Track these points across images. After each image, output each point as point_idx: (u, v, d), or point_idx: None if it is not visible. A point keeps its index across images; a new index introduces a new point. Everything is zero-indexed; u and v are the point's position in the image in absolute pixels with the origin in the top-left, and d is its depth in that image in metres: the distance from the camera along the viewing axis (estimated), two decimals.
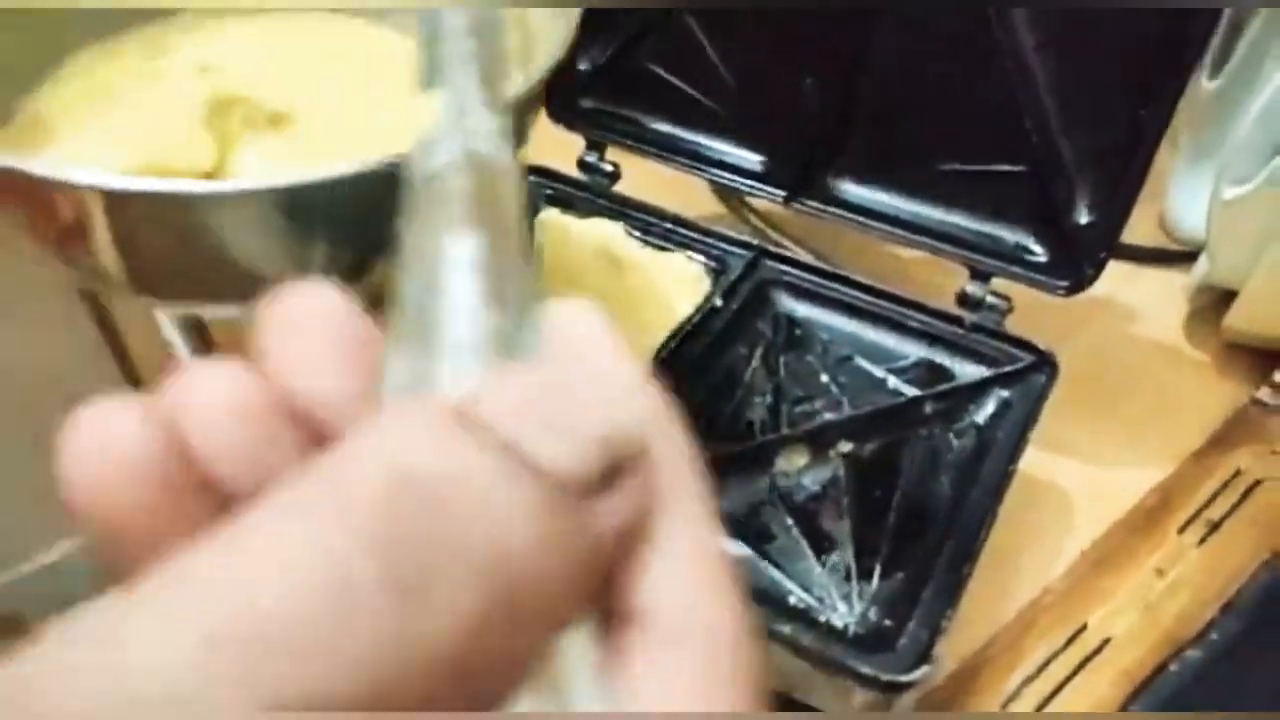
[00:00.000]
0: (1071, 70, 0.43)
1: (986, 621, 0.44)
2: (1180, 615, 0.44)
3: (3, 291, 0.41)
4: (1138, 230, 0.64)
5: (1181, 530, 0.47)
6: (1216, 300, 0.56)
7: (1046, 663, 0.42)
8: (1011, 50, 0.43)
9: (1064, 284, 0.45)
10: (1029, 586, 0.45)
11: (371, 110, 0.36)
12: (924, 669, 0.33)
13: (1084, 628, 0.43)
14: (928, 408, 0.43)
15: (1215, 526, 0.47)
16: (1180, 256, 0.60)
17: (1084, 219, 0.45)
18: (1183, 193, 0.63)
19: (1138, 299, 0.59)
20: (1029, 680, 0.42)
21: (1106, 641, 0.43)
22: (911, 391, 0.45)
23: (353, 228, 0.31)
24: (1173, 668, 0.43)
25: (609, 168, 0.54)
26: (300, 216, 0.30)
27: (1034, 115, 0.44)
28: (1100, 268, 0.44)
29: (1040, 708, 0.41)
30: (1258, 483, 0.48)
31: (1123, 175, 0.43)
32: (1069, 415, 0.50)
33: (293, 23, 0.42)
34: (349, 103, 0.37)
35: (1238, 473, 0.49)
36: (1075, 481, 0.49)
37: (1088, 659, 0.42)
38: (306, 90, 0.38)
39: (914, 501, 0.40)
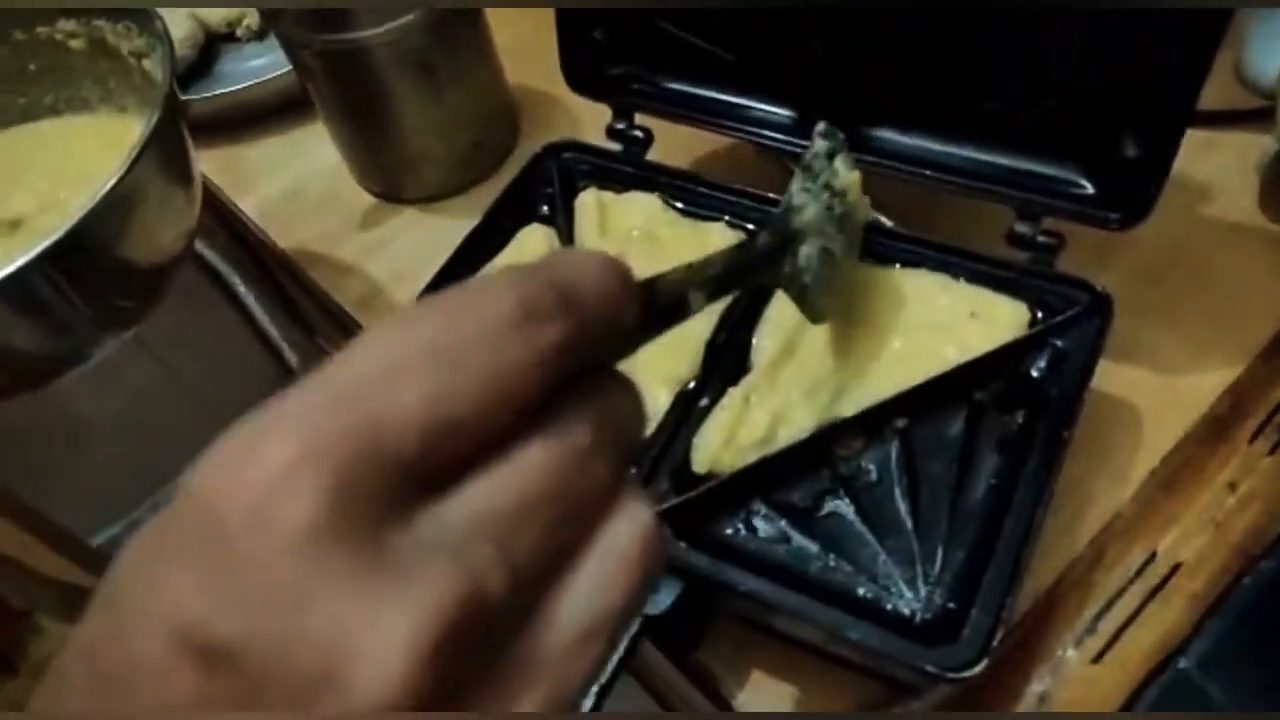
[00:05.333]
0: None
1: (1061, 551, 0.45)
2: (1251, 528, 0.45)
3: None
4: (1208, 86, 0.60)
5: (1252, 439, 0.46)
6: None
7: (1118, 595, 0.44)
8: None
9: (1116, 216, 0.43)
10: (1101, 511, 0.46)
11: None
12: (983, 664, 0.35)
13: (1153, 556, 0.44)
14: (980, 370, 0.43)
15: None
16: (1256, 115, 0.57)
17: (1133, 148, 0.43)
18: (1261, 38, 0.58)
19: (1209, 172, 0.56)
20: (1101, 613, 0.43)
21: (1177, 567, 0.44)
22: None
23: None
24: (1245, 581, 0.44)
25: (639, 134, 0.53)
26: None
27: (1072, 46, 0.42)
28: (1156, 195, 0.43)
29: (1113, 640, 0.43)
30: None
31: (1173, 98, 0.41)
32: (1136, 314, 0.49)
33: (20, 136, 0.50)
34: (75, 192, 0.42)
35: None
36: (1145, 390, 0.49)
37: (1159, 586, 0.44)
38: (36, 193, 0.45)
39: (972, 474, 0.41)
